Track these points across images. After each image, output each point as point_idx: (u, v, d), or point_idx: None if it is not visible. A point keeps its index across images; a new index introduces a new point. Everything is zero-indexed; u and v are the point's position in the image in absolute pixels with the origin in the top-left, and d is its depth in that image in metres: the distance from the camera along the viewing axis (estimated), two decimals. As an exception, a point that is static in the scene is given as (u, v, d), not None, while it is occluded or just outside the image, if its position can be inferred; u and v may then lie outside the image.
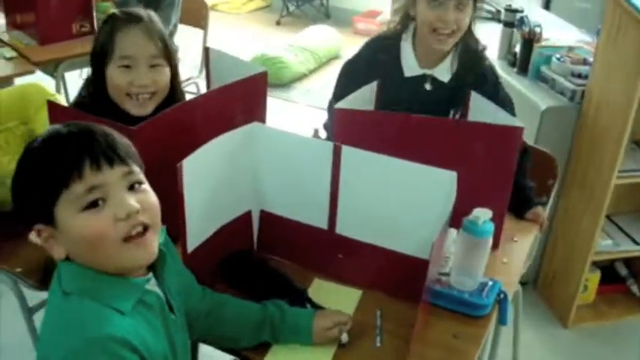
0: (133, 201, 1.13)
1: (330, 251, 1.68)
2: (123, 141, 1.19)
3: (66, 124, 1.17)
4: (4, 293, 2.41)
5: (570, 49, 2.89)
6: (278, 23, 6.74)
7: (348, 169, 1.57)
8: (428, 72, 2.07)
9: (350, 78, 2.11)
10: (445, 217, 1.43)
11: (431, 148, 1.67)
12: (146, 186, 1.19)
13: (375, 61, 2.07)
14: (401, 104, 1.89)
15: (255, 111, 1.86)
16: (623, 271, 3.08)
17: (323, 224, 1.67)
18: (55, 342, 1.10)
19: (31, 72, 3.07)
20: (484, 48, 2.10)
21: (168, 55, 1.84)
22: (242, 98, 1.83)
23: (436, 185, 1.48)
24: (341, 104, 1.78)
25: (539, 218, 1.99)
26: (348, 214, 1.63)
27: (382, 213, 1.58)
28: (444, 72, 2.06)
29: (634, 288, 3.05)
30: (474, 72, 2.03)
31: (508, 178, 1.72)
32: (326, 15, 6.86)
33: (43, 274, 2.12)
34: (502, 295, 1.63)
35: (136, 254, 1.15)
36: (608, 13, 2.51)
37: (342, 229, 1.65)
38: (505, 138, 1.68)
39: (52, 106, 1.68)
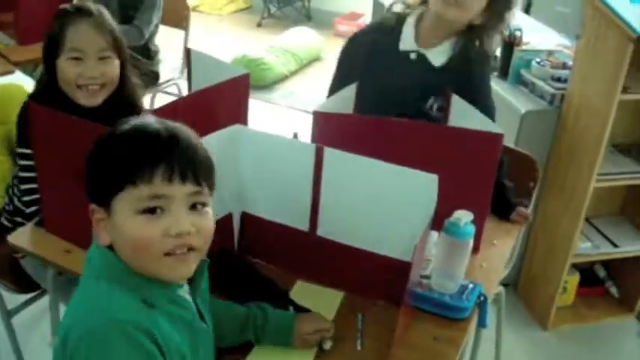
0: (188, 222, 1.13)
1: (311, 254, 1.68)
2: (204, 156, 1.17)
3: (159, 120, 1.17)
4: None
5: (550, 53, 2.91)
6: (259, 25, 6.73)
7: (330, 171, 1.57)
8: (422, 50, 2.07)
9: (349, 54, 2.14)
10: (427, 220, 1.43)
11: (411, 151, 1.67)
12: (208, 209, 1.18)
13: (375, 38, 2.09)
14: (386, 78, 1.98)
15: (237, 113, 1.86)
16: (601, 273, 3.12)
17: (304, 226, 1.66)
18: (78, 321, 1.10)
19: (11, 72, 3.05)
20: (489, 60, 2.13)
21: (118, 48, 1.90)
22: (224, 100, 1.83)
23: (417, 188, 1.48)
24: (321, 107, 1.78)
25: (521, 217, 2.00)
26: (330, 216, 1.63)
27: (364, 215, 1.58)
28: (437, 56, 2.06)
29: (612, 290, 3.09)
30: (462, 67, 2.02)
31: (488, 184, 1.72)
32: (307, 17, 6.86)
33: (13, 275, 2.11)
34: (482, 298, 1.64)
35: (172, 269, 1.14)
36: (587, 17, 2.53)
37: (324, 231, 1.65)
38: (485, 144, 1.68)
39: (34, 108, 1.66)
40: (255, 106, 4.56)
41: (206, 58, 1.98)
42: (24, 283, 2.10)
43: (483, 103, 2.04)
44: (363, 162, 1.52)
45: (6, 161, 2.36)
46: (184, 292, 1.25)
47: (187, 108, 1.74)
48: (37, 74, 3.26)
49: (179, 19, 3.77)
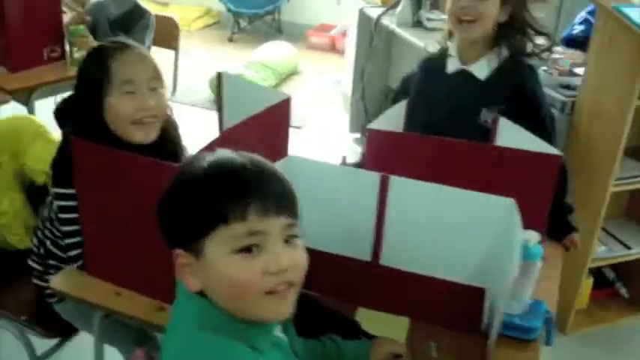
0: (286, 258, 1.07)
1: (373, 283, 1.63)
2: (289, 186, 1.13)
3: (237, 153, 1.11)
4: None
5: (554, 60, 2.93)
6: (230, 40, 6.64)
7: (395, 199, 1.52)
8: (467, 68, 2.12)
9: (405, 84, 2.26)
10: (517, 247, 1.38)
11: (466, 171, 1.65)
12: (300, 241, 1.12)
13: (426, 68, 2.20)
14: (436, 99, 2.06)
15: (279, 141, 1.81)
16: (610, 274, 3.14)
17: (366, 256, 1.62)
18: None
19: (6, 101, 2.91)
20: (531, 64, 2.15)
21: (161, 79, 1.82)
22: (266, 128, 1.77)
23: (490, 212, 1.45)
24: (373, 125, 1.75)
25: (573, 245, 1.99)
26: (394, 244, 1.58)
27: (432, 242, 1.53)
28: (480, 68, 2.09)
29: (622, 291, 3.12)
30: (511, 79, 2.04)
31: (545, 206, 1.69)
32: (278, 30, 6.79)
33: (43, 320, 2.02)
34: (548, 315, 1.62)
35: (276, 308, 1.09)
36: (599, 24, 2.55)
37: (388, 260, 1.60)
38: (543, 166, 1.65)
39: (79, 145, 1.58)
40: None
41: (239, 81, 1.95)
42: (55, 327, 2.01)
43: (541, 111, 2.08)
44: (432, 189, 1.48)
45: (18, 199, 2.26)
46: (279, 331, 1.21)
47: (233, 140, 1.68)
48: (30, 102, 3.16)
49: (169, 39, 3.68)
